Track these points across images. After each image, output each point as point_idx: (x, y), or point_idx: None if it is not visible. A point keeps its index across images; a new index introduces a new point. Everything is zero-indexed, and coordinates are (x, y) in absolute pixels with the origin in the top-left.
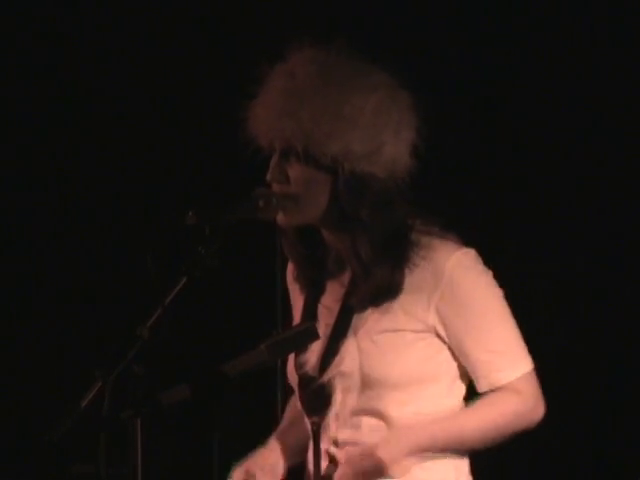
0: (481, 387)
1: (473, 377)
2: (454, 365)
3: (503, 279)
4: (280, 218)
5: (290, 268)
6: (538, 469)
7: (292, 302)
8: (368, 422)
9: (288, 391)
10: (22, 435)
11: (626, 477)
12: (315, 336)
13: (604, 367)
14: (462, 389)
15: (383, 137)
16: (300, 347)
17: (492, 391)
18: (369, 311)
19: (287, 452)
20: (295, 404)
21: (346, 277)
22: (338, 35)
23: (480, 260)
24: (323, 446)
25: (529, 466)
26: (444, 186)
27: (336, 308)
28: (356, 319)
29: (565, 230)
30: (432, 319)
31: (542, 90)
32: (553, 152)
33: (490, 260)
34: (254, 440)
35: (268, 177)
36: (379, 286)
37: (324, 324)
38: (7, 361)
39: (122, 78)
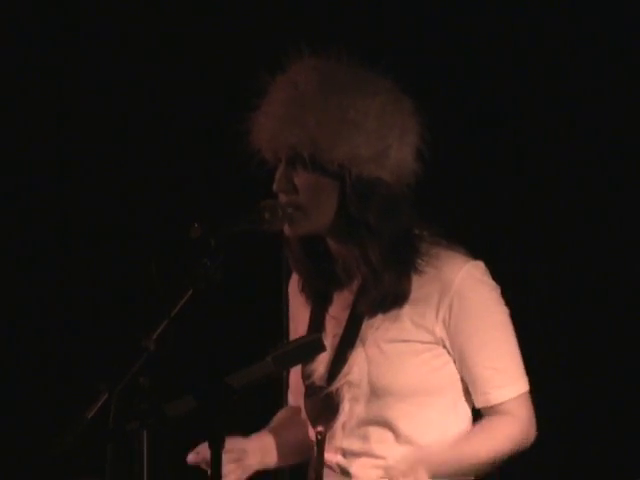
0: (478, 403)
1: (472, 391)
2: (460, 377)
3: (503, 285)
4: (287, 228)
5: (294, 279)
6: (538, 469)
7: (293, 313)
8: (376, 433)
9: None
10: (28, 447)
11: (626, 477)
12: (321, 348)
13: (604, 367)
14: (469, 402)
15: (389, 140)
16: (306, 359)
17: (488, 413)
18: (377, 320)
19: (275, 451)
20: (287, 412)
21: (354, 287)
22: (336, 44)
23: (488, 273)
24: (328, 456)
25: (529, 466)
26: (442, 194)
27: (343, 318)
28: (364, 328)
29: (567, 236)
30: (440, 330)
31: (543, 96)
32: (554, 158)
33: (491, 267)
34: None
35: (275, 188)
36: (388, 292)
37: (331, 334)
38: (13, 373)
39: (128, 89)
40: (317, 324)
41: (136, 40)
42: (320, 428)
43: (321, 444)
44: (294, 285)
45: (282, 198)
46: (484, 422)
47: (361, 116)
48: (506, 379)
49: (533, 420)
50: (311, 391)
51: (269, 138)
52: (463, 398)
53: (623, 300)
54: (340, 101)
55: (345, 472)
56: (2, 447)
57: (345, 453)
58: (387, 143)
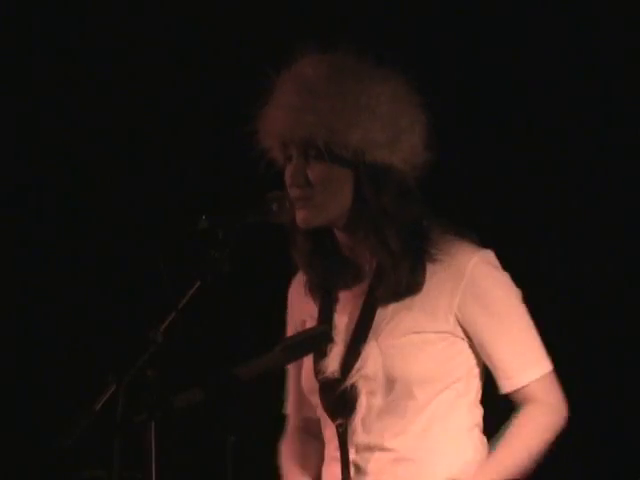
0: (504, 388)
1: (496, 377)
2: (473, 365)
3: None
4: (301, 220)
5: (295, 285)
6: (538, 469)
7: (297, 318)
8: (392, 425)
9: (288, 405)
10: (35, 439)
11: (626, 477)
12: (329, 339)
13: (605, 367)
14: (479, 388)
15: (401, 125)
16: (314, 350)
17: (516, 398)
18: (390, 312)
19: None
20: (288, 451)
21: (363, 282)
22: (340, 39)
23: (498, 261)
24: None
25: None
26: (449, 187)
27: (354, 312)
28: (377, 321)
29: (572, 232)
30: (454, 320)
31: (544, 89)
32: (556, 151)
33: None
34: (268, 442)
35: (289, 182)
36: (404, 280)
37: (342, 329)
38: (20, 364)
39: (136, 85)
40: (326, 320)
41: (141, 36)
42: (341, 420)
43: (343, 436)
44: (296, 289)
45: (295, 192)
46: (514, 425)
47: (374, 102)
48: (527, 361)
49: (562, 397)
50: (327, 386)
51: (281, 131)
52: (475, 381)
53: (627, 297)
54: (352, 88)
55: (360, 470)
56: (9, 440)
57: (361, 448)
58: (399, 128)
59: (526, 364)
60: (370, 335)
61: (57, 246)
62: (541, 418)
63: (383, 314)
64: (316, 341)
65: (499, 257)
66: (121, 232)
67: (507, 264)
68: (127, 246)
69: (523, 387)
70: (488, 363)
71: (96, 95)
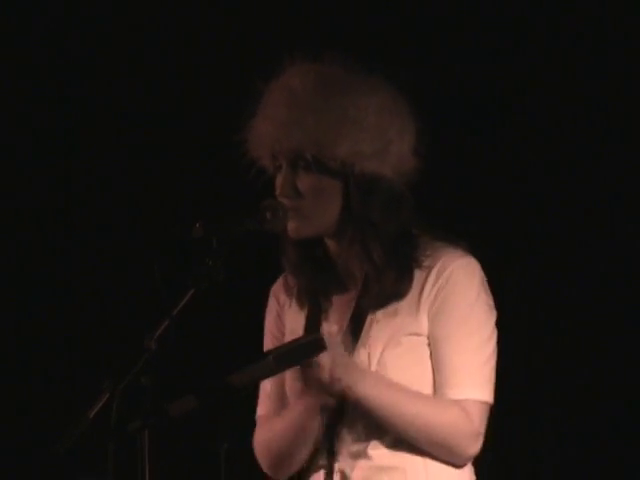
0: (442, 396)
1: (437, 383)
2: None
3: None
4: (292, 230)
5: (280, 286)
6: (539, 469)
7: (278, 324)
8: (379, 433)
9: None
10: (29, 446)
11: (626, 477)
12: (322, 347)
13: (604, 369)
14: None
15: (389, 136)
16: (307, 358)
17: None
18: (378, 318)
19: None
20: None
21: (353, 290)
22: (328, 47)
23: (482, 273)
24: (337, 459)
25: (530, 466)
26: (439, 196)
27: (343, 321)
28: (365, 329)
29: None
30: (423, 318)
31: (539, 96)
32: (549, 159)
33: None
34: None
35: (278, 194)
36: (390, 289)
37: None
38: (15, 371)
39: (132, 91)
40: (314, 329)
41: (137, 44)
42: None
43: (330, 443)
44: (281, 294)
45: (285, 203)
46: (441, 398)
47: (361, 113)
48: (475, 381)
49: (482, 435)
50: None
51: (270, 143)
52: None
53: (623, 303)
54: (339, 100)
55: (346, 477)
56: (4, 446)
57: (348, 456)
58: (388, 139)
59: (472, 382)
60: (359, 344)
61: (53, 253)
62: (457, 419)
63: (371, 320)
64: (309, 349)
65: (488, 263)
66: (116, 239)
67: (496, 270)
68: (122, 253)
69: (460, 401)
70: (436, 366)
71: (93, 102)
